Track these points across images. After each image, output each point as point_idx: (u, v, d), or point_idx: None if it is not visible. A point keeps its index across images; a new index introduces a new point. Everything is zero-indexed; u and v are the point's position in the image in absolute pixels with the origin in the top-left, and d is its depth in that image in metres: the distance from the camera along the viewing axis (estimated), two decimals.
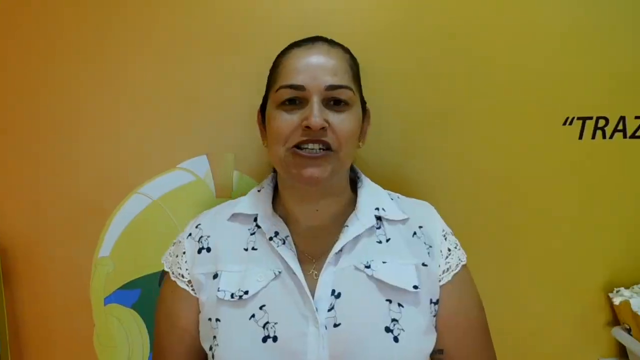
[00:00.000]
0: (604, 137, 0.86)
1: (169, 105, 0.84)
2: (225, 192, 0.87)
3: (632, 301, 0.82)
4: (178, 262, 0.70)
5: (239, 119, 0.85)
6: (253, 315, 0.62)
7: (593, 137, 0.86)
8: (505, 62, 0.84)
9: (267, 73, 0.66)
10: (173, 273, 0.70)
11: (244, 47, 0.83)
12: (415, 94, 0.84)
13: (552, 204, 0.88)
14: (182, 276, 0.69)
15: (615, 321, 0.89)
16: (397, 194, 0.75)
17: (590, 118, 0.86)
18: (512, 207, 0.88)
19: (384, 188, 0.74)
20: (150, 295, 0.87)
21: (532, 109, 0.85)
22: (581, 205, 0.88)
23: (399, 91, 0.84)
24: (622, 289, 0.87)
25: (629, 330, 0.85)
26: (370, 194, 0.71)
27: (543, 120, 0.86)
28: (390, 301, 0.62)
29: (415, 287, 0.63)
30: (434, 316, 0.66)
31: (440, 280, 0.67)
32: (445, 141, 0.86)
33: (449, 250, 0.69)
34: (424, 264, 0.66)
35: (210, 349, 0.64)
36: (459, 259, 0.69)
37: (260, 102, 0.70)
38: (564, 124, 0.86)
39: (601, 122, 0.86)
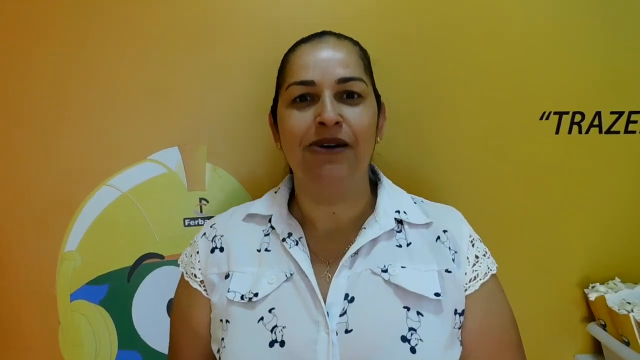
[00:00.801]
0: (580, 132, 0.86)
1: (139, 95, 0.82)
2: (198, 185, 0.85)
3: (607, 297, 0.82)
4: (192, 262, 0.69)
5: (212, 110, 0.83)
6: (262, 318, 0.59)
7: (569, 132, 0.86)
8: (482, 57, 0.84)
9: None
10: (187, 273, 0.69)
11: (219, 38, 0.81)
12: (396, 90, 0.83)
13: (528, 198, 0.87)
14: (195, 276, 0.68)
15: (590, 317, 0.89)
16: (421, 198, 0.71)
17: (567, 113, 0.86)
18: (487, 201, 0.87)
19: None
20: (119, 290, 0.84)
21: (510, 104, 0.85)
22: (557, 200, 0.88)
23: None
24: (597, 284, 0.87)
25: (604, 326, 0.85)
26: (391, 196, 0.67)
27: (520, 115, 0.85)
28: (408, 308, 0.58)
29: (436, 294, 0.59)
30: (459, 329, 0.61)
31: (466, 290, 0.62)
32: (424, 136, 0.85)
33: (477, 257, 0.64)
34: (447, 271, 0.61)
35: (218, 351, 0.62)
36: (488, 268, 0.64)
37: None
38: (541, 118, 0.86)
39: (577, 117, 0.86)
